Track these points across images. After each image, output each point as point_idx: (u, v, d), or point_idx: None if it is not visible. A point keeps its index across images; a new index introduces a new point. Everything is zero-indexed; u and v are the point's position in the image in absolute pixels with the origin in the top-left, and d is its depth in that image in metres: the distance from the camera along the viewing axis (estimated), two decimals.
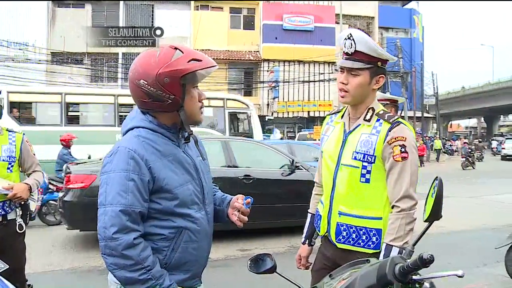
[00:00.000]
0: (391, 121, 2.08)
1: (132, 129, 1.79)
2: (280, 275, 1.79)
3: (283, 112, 29.57)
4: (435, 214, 1.47)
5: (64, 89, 15.02)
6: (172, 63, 1.67)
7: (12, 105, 12.27)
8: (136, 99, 1.76)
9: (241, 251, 6.38)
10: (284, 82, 28.44)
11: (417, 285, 1.40)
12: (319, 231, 2.31)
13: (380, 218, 2.09)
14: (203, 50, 24.95)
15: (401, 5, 36.94)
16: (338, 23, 28.78)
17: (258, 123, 14.61)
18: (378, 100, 4.41)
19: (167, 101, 1.70)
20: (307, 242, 2.44)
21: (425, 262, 1.28)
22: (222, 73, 26.70)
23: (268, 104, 29.60)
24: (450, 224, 8.16)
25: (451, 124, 69.20)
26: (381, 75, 2.13)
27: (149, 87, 1.67)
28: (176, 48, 1.71)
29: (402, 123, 2.09)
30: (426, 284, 1.39)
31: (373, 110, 2.15)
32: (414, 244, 1.48)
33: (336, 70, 26.06)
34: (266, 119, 28.37)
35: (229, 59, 28.46)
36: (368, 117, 2.14)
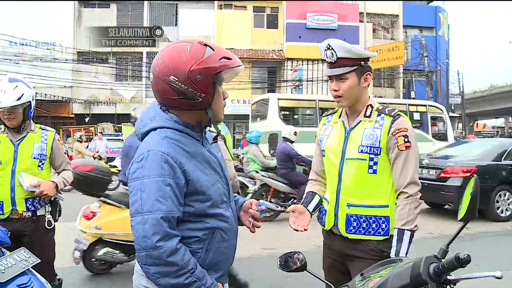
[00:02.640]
0: (392, 114, 2.24)
1: (154, 129, 1.70)
2: (311, 273, 1.79)
3: None
4: (471, 213, 1.45)
5: (318, 96, 17.90)
6: (205, 60, 1.61)
7: (281, 109, 14.37)
8: (162, 96, 1.67)
9: (265, 250, 6.38)
10: (308, 81, 28.30)
11: (452, 286, 1.38)
12: (324, 225, 2.40)
13: (387, 206, 2.23)
14: (226, 49, 24.92)
15: (426, 3, 36.30)
16: (362, 21, 28.44)
17: (450, 125, 16.98)
18: None
19: (198, 99, 1.64)
20: (303, 204, 2.40)
21: (461, 262, 1.26)
22: (245, 72, 26.69)
23: None
24: (476, 225, 8.02)
25: (477, 123, 67.72)
26: (367, 73, 2.27)
27: (180, 84, 1.60)
28: (206, 45, 1.66)
29: (401, 115, 2.24)
30: None
31: (372, 107, 2.31)
32: (449, 244, 1.45)
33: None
34: None
35: (252, 58, 28.46)
36: (368, 113, 2.29)
